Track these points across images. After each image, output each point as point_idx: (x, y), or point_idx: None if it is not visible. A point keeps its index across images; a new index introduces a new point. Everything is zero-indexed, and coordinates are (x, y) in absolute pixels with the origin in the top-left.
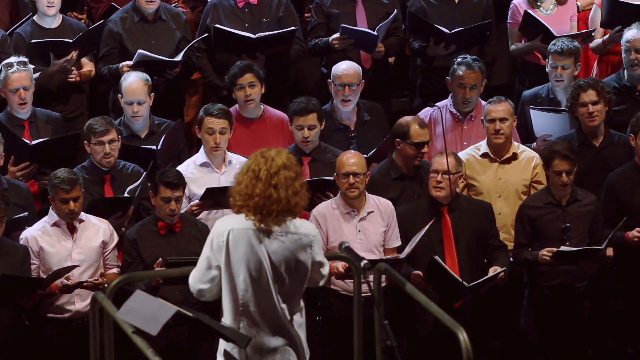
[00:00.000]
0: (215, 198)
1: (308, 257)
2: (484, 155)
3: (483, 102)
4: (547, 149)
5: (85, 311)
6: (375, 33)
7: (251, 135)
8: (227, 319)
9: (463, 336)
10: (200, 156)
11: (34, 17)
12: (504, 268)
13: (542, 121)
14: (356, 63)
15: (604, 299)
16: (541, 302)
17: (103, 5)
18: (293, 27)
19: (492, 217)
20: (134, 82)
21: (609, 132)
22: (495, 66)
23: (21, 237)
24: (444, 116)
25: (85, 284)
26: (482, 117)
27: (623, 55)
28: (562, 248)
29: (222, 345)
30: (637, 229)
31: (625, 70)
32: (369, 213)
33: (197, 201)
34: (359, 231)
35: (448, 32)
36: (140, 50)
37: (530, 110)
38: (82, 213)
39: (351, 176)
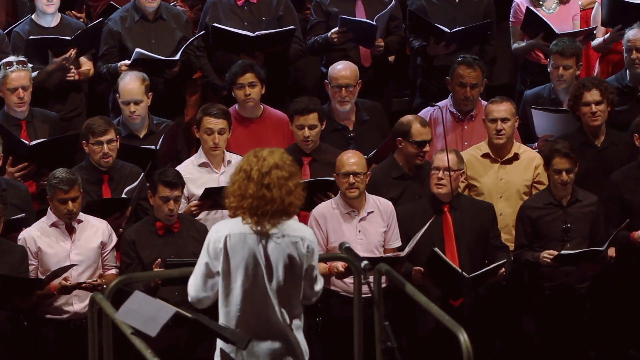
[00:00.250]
0: (214, 198)
1: (304, 261)
2: (485, 155)
3: (484, 102)
4: (548, 147)
5: (84, 312)
6: (374, 23)
7: (251, 135)
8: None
9: (463, 337)
10: (199, 156)
11: (32, 16)
12: (504, 260)
13: (544, 121)
14: (356, 62)
15: (606, 300)
16: (542, 303)
17: (102, 3)
18: (292, 26)
19: (493, 218)
20: (130, 81)
21: (611, 131)
22: (497, 66)
23: (19, 237)
24: (444, 116)
25: (83, 285)
26: (484, 117)
27: (624, 54)
28: (563, 251)
29: (219, 345)
30: None
31: (627, 70)
32: (369, 213)
33: (196, 201)
34: (359, 231)
35: (448, 31)
36: (137, 49)
37: (532, 110)
38: (81, 213)
39: (351, 176)
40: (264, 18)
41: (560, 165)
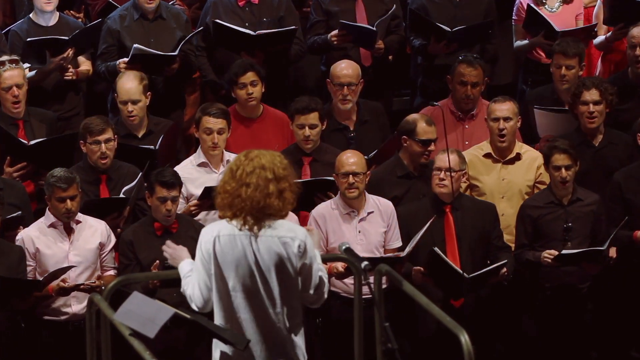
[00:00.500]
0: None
1: (296, 261)
2: (487, 155)
3: (485, 102)
4: (547, 145)
5: (82, 313)
6: (374, 29)
7: (250, 135)
8: None
9: (465, 338)
10: (198, 156)
11: (30, 15)
12: (506, 261)
13: (547, 121)
14: (356, 61)
15: (607, 300)
16: (543, 303)
17: (100, 2)
18: (293, 27)
19: (495, 218)
20: (128, 81)
21: (610, 131)
22: (500, 65)
23: (17, 238)
24: (445, 115)
25: (82, 287)
26: (486, 117)
27: (628, 51)
28: (564, 251)
29: (216, 346)
30: None
31: (630, 69)
32: (369, 213)
33: (195, 201)
34: (359, 232)
35: (449, 30)
36: (135, 45)
37: (535, 110)
38: (80, 214)
39: (351, 176)
40: (265, 19)
41: (560, 161)
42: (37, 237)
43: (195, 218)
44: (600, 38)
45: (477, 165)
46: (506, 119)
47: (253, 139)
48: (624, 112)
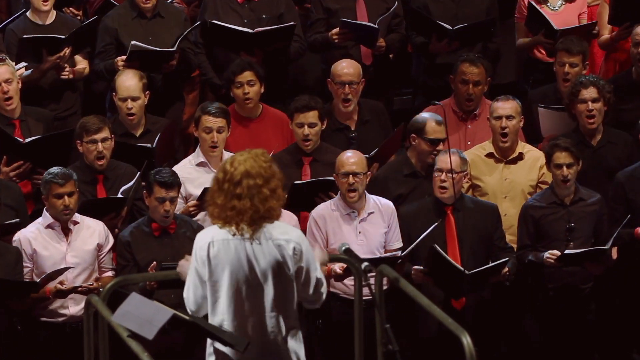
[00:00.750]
0: None
1: (291, 264)
2: (490, 155)
3: (488, 101)
4: (548, 144)
5: (80, 315)
6: (375, 26)
7: (250, 135)
8: None
9: (467, 340)
10: (197, 155)
11: (27, 13)
12: (507, 259)
13: (550, 120)
14: (356, 60)
15: (610, 301)
16: (546, 304)
17: (98, 0)
18: (292, 23)
19: (497, 219)
20: (128, 78)
21: (609, 130)
22: (502, 64)
23: (14, 238)
24: (447, 115)
25: (79, 289)
26: (488, 116)
27: (632, 49)
28: (567, 251)
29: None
30: None
31: (633, 68)
32: (369, 214)
33: (194, 201)
34: (360, 233)
35: (451, 28)
36: (133, 42)
37: (539, 109)
38: (77, 215)
39: (351, 176)
40: (264, 16)
41: (561, 159)
42: (34, 238)
43: (194, 218)
44: (604, 37)
45: (479, 165)
46: (509, 117)
47: (252, 139)
48: (627, 111)
